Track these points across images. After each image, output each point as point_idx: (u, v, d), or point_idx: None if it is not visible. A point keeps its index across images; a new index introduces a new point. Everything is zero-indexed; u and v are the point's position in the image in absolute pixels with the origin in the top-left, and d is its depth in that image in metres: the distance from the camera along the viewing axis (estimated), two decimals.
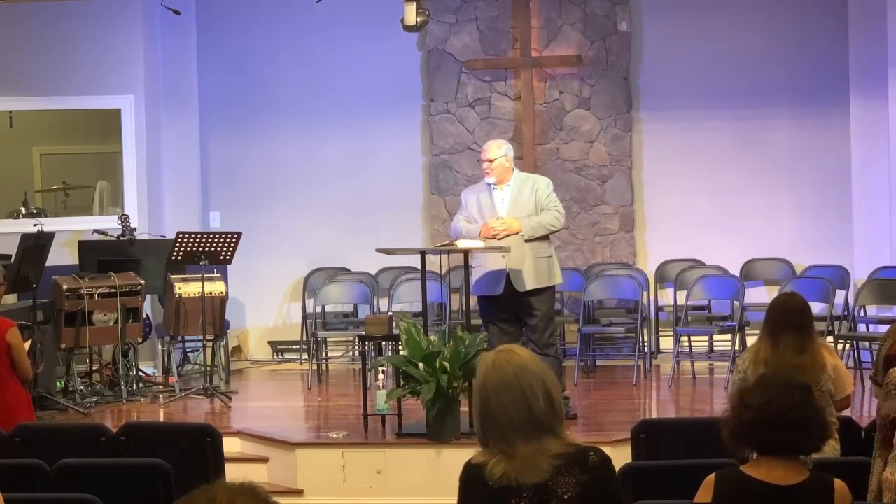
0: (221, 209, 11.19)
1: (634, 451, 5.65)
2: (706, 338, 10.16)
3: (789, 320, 5.54)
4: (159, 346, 10.04)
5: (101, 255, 9.56)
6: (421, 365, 7.04)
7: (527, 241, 7.70)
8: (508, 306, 7.75)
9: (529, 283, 7.69)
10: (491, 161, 7.81)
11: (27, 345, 6.78)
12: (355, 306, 10.70)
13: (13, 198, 11.14)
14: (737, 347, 9.23)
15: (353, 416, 7.94)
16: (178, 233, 9.19)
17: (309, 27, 11.03)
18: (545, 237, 7.84)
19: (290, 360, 10.99)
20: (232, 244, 9.22)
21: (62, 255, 9.96)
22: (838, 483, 3.57)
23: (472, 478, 3.38)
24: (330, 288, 10.33)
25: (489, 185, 7.86)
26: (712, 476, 3.60)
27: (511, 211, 7.77)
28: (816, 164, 10.68)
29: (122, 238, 9.74)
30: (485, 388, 3.35)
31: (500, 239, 7.64)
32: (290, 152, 11.17)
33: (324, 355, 10.51)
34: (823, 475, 3.62)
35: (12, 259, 8.88)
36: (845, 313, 9.76)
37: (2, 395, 6.51)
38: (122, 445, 5.81)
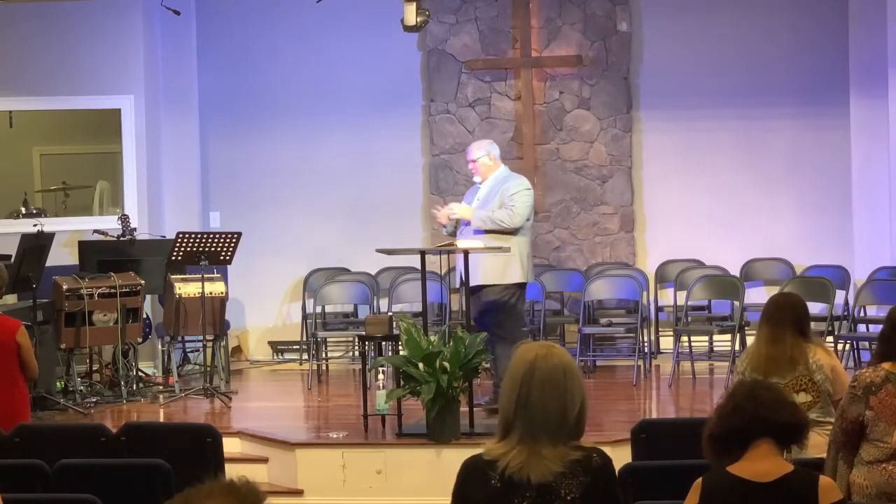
0: (221, 209, 11.19)
1: (634, 451, 5.64)
2: (706, 338, 10.16)
3: (766, 315, 5.69)
4: (159, 347, 10.04)
5: (101, 256, 9.56)
6: (421, 365, 7.04)
7: (475, 232, 8.12)
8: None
9: (476, 279, 8.03)
10: (474, 161, 8.38)
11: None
12: (355, 306, 10.70)
13: (13, 198, 11.13)
14: (737, 347, 9.23)
15: (353, 416, 7.93)
16: (178, 233, 9.18)
17: (309, 27, 11.03)
18: (514, 237, 8.12)
19: (290, 361, 10.99)
20: (232, 244, 9.22)
21: (62, 255, 9.95)
22: (823, 478, 3.59)
23: (475, 472, 3.35)
24: (330, 288, 10.33)
25: (475, 182, 8.45)
26: (700, 479, 3.63)
27: (476, 205, 8.27)
28: (816, 164, 10.68)
29: (122, 238, 9.74)
30: (531, 377, 3.32)
31: (442, 224, 8.39)
32: (290, 152, 11.17)
33: (324, 355, 10.51)
34: (807, 469, 3.64)
35: (12, 259, 8.88)
36: (845, 313, 9.76)
37: (9, 395, 6.51)
38: (122, 445, 5.81)
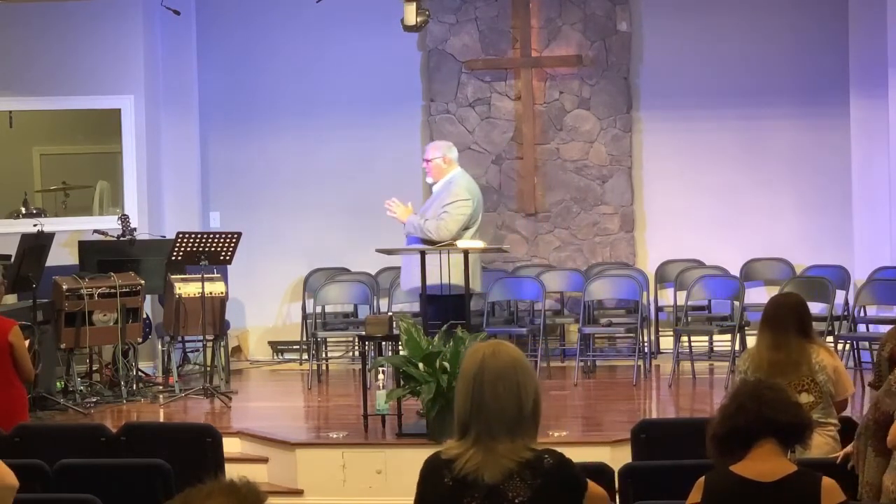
0: (221, 209, 11.19)
1: (634, 451, 5.65)
2: (706, 338, 10.16)
3: (766, 317, 5.63)
4: (159, 346, 10.04)
5: (101, 256, 9.57)
6: (421, 365, 7.04)
7: (410, 239, 8.30)
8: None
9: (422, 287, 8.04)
10: (428, 161, 8.51)
11: (26, 344, 6.77)
12: (355, 306, 10.70)
13: (13, 198, 11.13)
14: (737, 347, 9.23)
15: (353, 416, 7.93)
16: (178, 233, 9.19)
17: (309, 27, 11.03)
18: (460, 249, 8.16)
19: (290, 361, 10.99)
20: (232, 244, 9.22)
21: (62, 255, 9.95)
22: (826, 479, 3.58)
23: (434, 471, 3.36)
24: (330, 288, 10.33)
25: (428, 182, 8.68)
26: (702, 478, 3.63)
27: (423, 206, 8.52)
28: (816, 164, 10.68)
29: (122, 238, 9.74)
30: (481, 374, 3.32)
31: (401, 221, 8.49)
32: (290, 152, 11.17)
33: (324, 355, 10.51)
34: (810, 470, 3.63)
35: (12, 259, 8.88)
36: (845, 313, 9.76)
37: (7, 395, 6.51)
38: (122, 445, 5.81)
